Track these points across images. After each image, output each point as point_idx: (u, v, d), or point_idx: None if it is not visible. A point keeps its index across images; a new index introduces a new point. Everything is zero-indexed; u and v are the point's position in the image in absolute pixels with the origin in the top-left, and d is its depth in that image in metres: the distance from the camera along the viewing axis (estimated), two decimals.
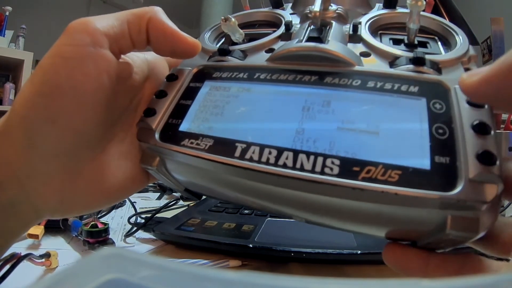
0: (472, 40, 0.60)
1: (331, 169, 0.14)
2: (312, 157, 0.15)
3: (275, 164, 0.15)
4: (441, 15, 0.59)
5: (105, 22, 0.18)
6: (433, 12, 0.60)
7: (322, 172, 0.14)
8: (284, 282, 0.07)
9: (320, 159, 0.15)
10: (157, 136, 0.18)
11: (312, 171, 0.14)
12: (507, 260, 0.14)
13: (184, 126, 0.18)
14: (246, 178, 0.16)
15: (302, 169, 0.14)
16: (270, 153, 0.15)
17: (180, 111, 0.19)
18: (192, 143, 0.17)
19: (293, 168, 0.15)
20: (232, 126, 0.17)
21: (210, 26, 0.26)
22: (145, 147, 0.19)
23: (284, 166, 0.15)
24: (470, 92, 0.14)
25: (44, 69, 0.17)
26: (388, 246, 0.16)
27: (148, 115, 0.19)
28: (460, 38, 0.19)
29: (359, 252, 0.29)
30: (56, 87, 0.16)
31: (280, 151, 0.15)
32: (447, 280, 0.07)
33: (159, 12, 0.19)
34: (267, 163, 0.15)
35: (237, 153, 0.16)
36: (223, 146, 0.16)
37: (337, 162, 0.14)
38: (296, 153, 0.15)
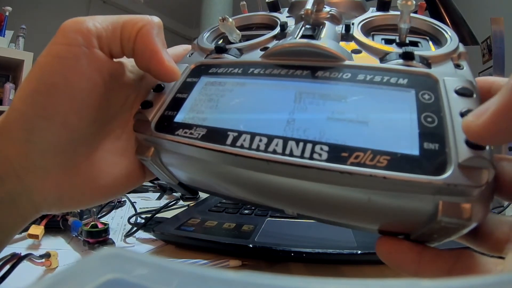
0: (472, 40, 0.60)
1: (320, 154, 0.14)
2: (301, 144, 0.15)
3: (265, 151, 0.15)
4: (441, 15, 0.59)
5: (99, 23, 0.18)
6: (432, 13, 0.60)
7: (311, 158, 0.14)
8: (284, 282, 0.07)
9: (309, 146, 0.15)
10: (152, 126, 0.19)
11: (301, 156, 0.14)
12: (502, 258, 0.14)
13: (179, 118, 0.19)
14: (236, 165, 0.16)
15: (291, 155, 0.15)
16: (260, 140, 0.16)
17: (176, 104, 0.20)
18: (186, 132, 0.18)
19: (283, 154, 0.15)
20: (225, 116, 0.18)
21: (209, 26, 0.26)
22: (141, 138, 0.20)
23: (274, 152, 0.15)
24: (479, 140, 0.12)
25: (40, 67, 0.17)
26: (381, 239, 0.16)
27: (145, 107, 0.20)
28: (450, 36, 0.19)
29: (359, 252, 0.29)
30: (52, 85, 0.17)
31: (271, 138, 0.16)
32: (448, 280, 0.07)
33: (153, 25, 0.19)
34: (257, 149, 0.15)
35: (229, 141, 0.16)
36: (216, 134, 0.17)
37: (325, 148, 0.14)
38: (286, 140, 0.15)
